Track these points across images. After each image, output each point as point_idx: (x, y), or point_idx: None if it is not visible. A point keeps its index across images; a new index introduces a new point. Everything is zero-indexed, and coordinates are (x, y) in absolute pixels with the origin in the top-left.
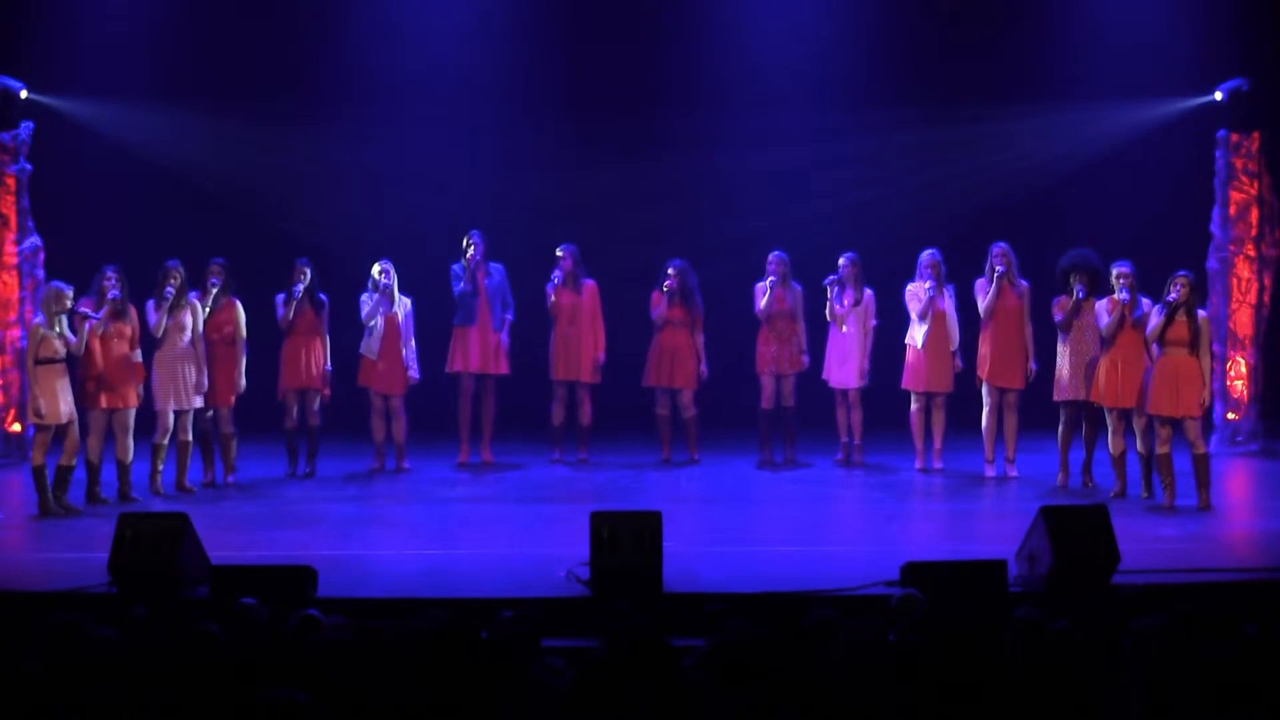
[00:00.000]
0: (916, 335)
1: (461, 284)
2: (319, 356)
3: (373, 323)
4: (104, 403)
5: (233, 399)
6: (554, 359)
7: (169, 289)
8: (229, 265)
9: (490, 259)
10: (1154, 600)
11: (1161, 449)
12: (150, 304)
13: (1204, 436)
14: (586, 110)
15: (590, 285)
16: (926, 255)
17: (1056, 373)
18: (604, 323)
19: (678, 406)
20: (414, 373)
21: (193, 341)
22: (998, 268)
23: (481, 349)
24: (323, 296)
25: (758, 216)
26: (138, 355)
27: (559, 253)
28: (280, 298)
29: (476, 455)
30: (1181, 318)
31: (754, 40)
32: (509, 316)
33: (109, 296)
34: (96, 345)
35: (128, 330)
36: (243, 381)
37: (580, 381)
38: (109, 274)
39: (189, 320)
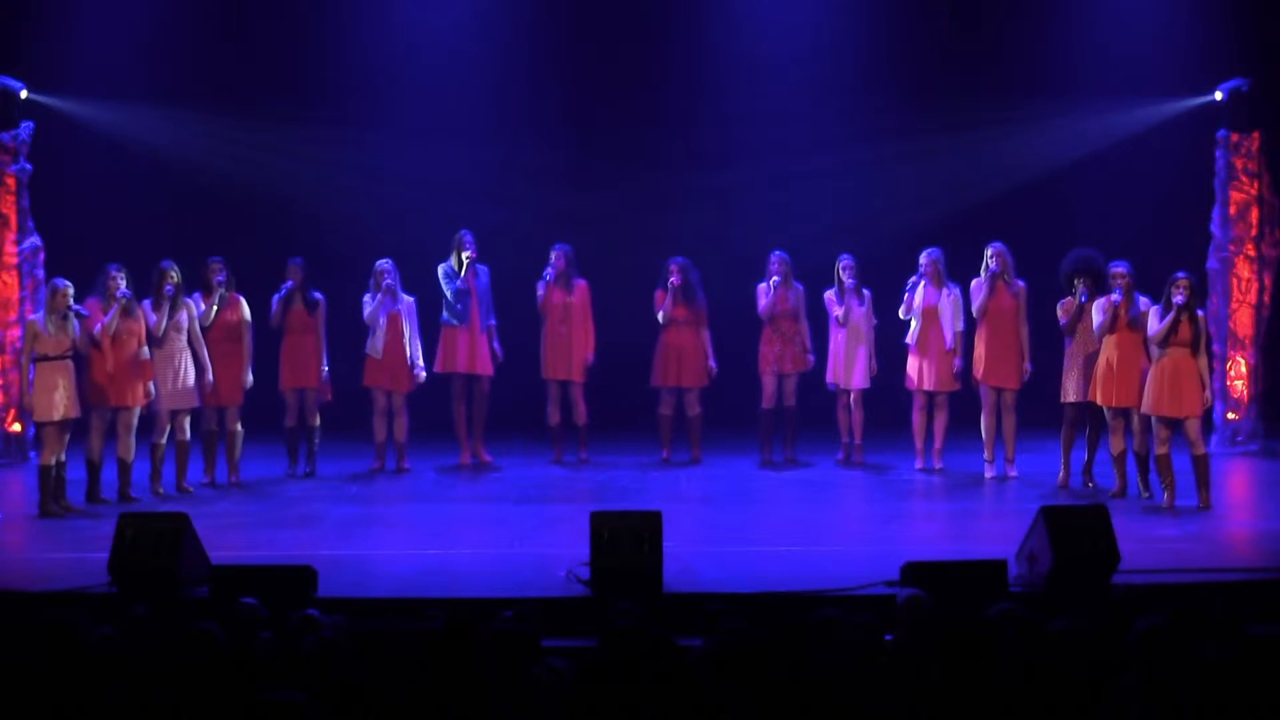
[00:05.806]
0: (915, 335)
1: (456, 283)
2: (315, 356)
3: (375, 323)
4: (111, 400)
5: (240, 396)
6: (545, 358)
7: (168, 288)
8: (228, 262)
9: (479, 260)
10: (1154, 600)
11: (1160, 449)
12: (147, 304)
13: (1204, 436)
14: (586, 110)
15: (581, 285)
16: (925, 255)
17: (1064, 375)
18: (594, 323)
19: (683, 405)
20: (419, 370)
21: (189, 341)
22: (991, 267)
23: (470, 349)
24: (318, 295)
25: (757, 215)
26: (146, 353)
27: (552, 252)
28: (277, 297)
29: (474, 456)
30: (1184, 319)
31: (754, 39)
32: (492, 321)
33: (119, 294)
34: (107, 343)
35: (136, 328)
36: (249, 378)
37: (573, 381)
38: (113, 272)
39: (185, 320)
